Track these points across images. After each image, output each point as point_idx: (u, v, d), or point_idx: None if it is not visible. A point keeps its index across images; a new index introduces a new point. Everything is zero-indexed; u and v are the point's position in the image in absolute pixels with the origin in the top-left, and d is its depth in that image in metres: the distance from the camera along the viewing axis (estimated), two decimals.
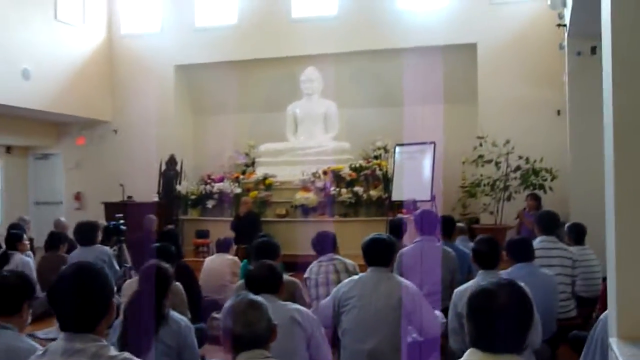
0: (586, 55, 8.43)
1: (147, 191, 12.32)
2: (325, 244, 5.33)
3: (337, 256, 5.35)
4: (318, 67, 13.11)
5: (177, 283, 4.38)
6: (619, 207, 2.92)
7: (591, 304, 5.60)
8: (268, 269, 3.61)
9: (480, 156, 10.48)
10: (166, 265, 3.69)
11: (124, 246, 7.73)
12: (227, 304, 2.63)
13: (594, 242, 6.65)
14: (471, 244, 6.78)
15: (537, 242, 5.37)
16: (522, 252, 4.76)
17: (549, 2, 9.42)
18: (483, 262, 4.21)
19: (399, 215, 10.13)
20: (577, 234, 6.32)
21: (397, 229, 6.72)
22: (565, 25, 9.02)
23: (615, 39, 3.00)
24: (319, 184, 11.44)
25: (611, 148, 2.98)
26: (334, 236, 5.46)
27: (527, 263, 4.68)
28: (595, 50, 8.19)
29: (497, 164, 10.32)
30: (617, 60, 2.99)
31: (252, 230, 9.87)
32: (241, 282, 4.62)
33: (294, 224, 10.96)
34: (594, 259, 6.21)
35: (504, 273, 4.50)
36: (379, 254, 4.20)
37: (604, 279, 6.23)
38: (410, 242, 6.59)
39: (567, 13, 8.52)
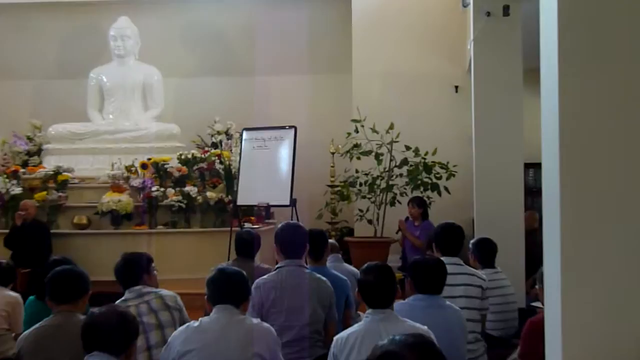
0: (497, 17, 8.64)
1: None
2: (133, 271, 5.01)
3: (148, 289, 5.02)
4: (134, 18, 13.00)
5: None
6: (565, 213, 3.03)
7: (505, 345, 5.65)
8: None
9: (356, 145, 10.49)
10: None
11: None
12: None
13: (505, 262, 6.86)
14: (346, 265, 6.81)
15: None
16: (430, 280, 4.71)
17: None
18: (373, 300, 4.12)
19: (247, 226, 9.96)
20: (486, 253, 6.35)
21: (246, 246, 6.60)
22: None
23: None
24: (136, 181, 11.28)
25: (556, 141, 3.04)
26: (147, 259, 5.16)
27: (431, 295, 4.64)
28: (508, 10, 8.43)
29: (377, 156, 10.37)
30: (563, 25, 3.00)
31: (37, 248, 9.38)
32: (26, 332, 4.32)
33: (100, 237, 10.78)
34: (508, 285, 6.31)
35: (398, 306, 4.44)
36: (228, 287, 4.09)
37: (523, 311, 6.44)
38: (264, 265, 6.44)
39: None
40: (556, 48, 3.08)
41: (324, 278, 5.41)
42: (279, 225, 5.54)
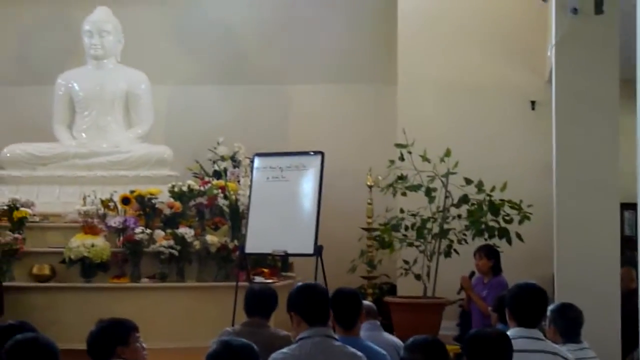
0: (587, 15, 8.60)
1: None
2: (104, 344, 5.15)
3: None
4: (115, 9, 13.04)
5: None
6: None
7: None
8: None
9: (401, 178, 10.51)
10: None
11: None
12: None
13: (595, 335, 6.84)
14: (386, 335, 6.89)
15: (512, 337, 5.33)
16: None
17: None
18: None
19: (259, 280, 10.02)
20: (570, 323, 6.22)
21: (259, 304, 6.64)
22: None
23: None
24: (115, 220, 11.29)
25: None
26: (127, 328, 5.25)
27: None
28: (602, 6, 8.38)
29: (429, 191, 10.45)
30: None
31: None
32: None
33: (67, 293, 10.79)
34: None
35: None
36: None
37: None
38: (282, 332, 6.50)
39: None
40: None
41: (358, 353, 5.47)
42: (294, 287, 5.62)
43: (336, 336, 5.49)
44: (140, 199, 11.57)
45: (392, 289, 11.63)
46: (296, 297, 5.53)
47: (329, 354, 5.16)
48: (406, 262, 10.60)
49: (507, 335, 5.01)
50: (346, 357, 5.20)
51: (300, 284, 5.63)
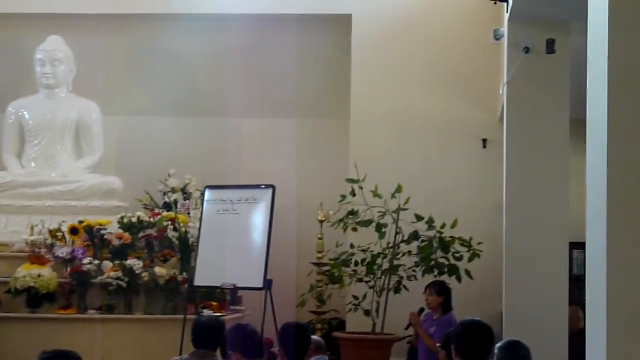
0: (538, 55, 8.76)
1: None
2: None
3: None
4: (68, 38, 12.98)
5: None
6: (613, 312, 3.08)
7: None
8: None
9: (352, 213, 10.55)
10: None
11: None
12: None
13: None
14: None
15: None
16: None
17: None
18: None
19: (206, 313, 9.96)
20: None
21: (206, 336, 6.60)
22: (505, 0, 9.37)
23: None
24: (62, 250, 11.22)
25: (603, 216, 3.07)
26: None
27: None
28: (553, 46, 8.56)
29: (379, 227, 10.45)
30: (614, 62, 3.11)
31: None
32: None
33: (12, 324, 10.67)
34: None
35: None
36: None
37: None
38: None
39: None
40: (606, 96, 3.17)
41: None
42: (229, 328, 5.63)
43: None
44: (89, 229, 11.50)
45: (341, 325, 11.62)
46: (232, 335, 5.57)
47: None
48: (356, 297, 10.62)
49: None
50: None
51: (234, 325, 5.68)
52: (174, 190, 12.60)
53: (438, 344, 8.12)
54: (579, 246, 11.31)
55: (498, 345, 6.59)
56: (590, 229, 3.34)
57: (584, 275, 10.89)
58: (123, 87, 13.38)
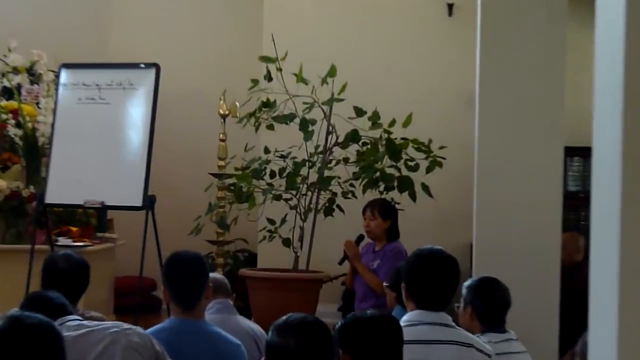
0: None
1: None
2: None
3: None
4: None
5: None
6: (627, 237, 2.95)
7: None
8: None
9: (267, 104, 10.48)
10: None
11: None
12: None
13: (525, 323, 6.93)
14: (240, 320, 7.04)
15: (408, 323, 5.43)
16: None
17: None
18: None
19: (64, 242, 9.85)
20: (492, 306, 6.41)
21: (62, 280, 6.57)
22: None
23: None
24: None
25: (618, 115, 2.94)
26: None
27: None
28: None
29: (305, 124, 10.31)
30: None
31: None
32: None
33: None
34: None
35: None
36: None
37: None
38: (95, 314, 6.49)
39: None
40: None
41: (221, 333, 5.48)
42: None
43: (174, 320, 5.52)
44: None
45: (251, 259, 11.62)
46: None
47: (192, 335, 5.33)
48: (271, 221, 10.52)
49: (396, 321, 4.99)
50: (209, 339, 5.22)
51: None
52: (16, 71, 12.21)
53: (385, 284, 8.09)
54: (576, 152, 11.41)
55: (466, 283, 6.59)
56: (599, 129, 3.25)
57: (582, 192, 11.09)
58: None
